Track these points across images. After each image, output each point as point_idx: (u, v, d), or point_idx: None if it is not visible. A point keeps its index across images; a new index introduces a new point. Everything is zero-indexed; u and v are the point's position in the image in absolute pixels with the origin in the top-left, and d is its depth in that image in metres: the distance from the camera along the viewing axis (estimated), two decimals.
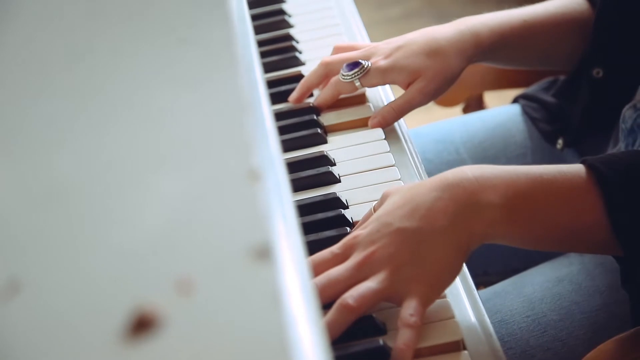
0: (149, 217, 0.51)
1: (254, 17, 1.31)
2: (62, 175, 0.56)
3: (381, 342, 0.74)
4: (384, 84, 1.07)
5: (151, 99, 0.63)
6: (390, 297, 0.75)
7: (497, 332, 0.79)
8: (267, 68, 1.19)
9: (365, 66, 1.04)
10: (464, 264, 0.80)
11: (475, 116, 1.35)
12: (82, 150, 0.59)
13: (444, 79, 1.04)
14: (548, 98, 1.24)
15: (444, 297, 0.79)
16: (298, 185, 0.96)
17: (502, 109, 1.33)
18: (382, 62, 1.03)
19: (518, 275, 1.06)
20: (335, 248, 0.79)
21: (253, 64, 0.70)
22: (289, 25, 1.31)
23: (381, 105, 1.08)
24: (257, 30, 1.28)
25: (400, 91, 1.07)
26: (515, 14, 1.10)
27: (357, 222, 0.89)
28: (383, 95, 1.11)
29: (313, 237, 0.87)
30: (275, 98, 1.12)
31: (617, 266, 0.96)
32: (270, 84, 1.15)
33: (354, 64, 1.04)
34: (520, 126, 1.27)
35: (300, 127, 1.06)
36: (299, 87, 1.10)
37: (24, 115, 0.64)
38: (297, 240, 0.53)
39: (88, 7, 0.76)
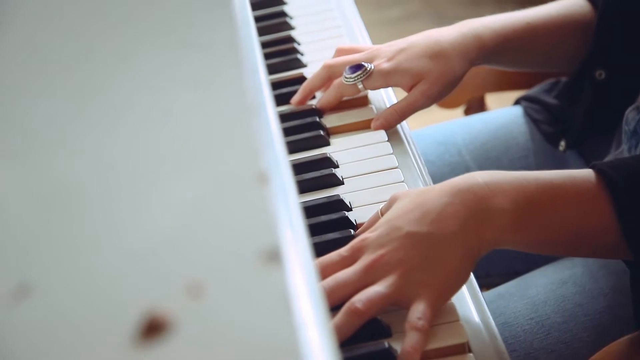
0: (158, 220, 0.51)
1: (255, 19, 1.31)
2: (70, 178, 0.56)
3: (386, 344, 0.74)
4: (386, 86, 1.07)
5: (158, 101, 0.63)
6: (398, 301, 0.75)
7: (500, 334, 0.79)
8: (269, 70, 1.18)
9: (368, 69, 1.04)
10: None
11: (477, 118, 1.35)
12: (89, 154, 0.59)
13: (447, 82, 1.04)
14: (550, 100, 1.24)
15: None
16: (301, 188, 0.96)
17: (504, 111, 1.33)
18: (385, 65, 1.03)
19: (521, 278, 1.06)
20: (343, 251, 0.79)
21: (258, 66, 0.70)
22: (291, 27, 1.31)
23: (383, 107, 1.08)
24: (259, 32, 1.27)
25: (402, 93, 1.07)
26: (518, 17, 1.10)
27: (360, 224, 0.89)
28: (385, 97, 1.11)
29: (317, 239, 0.87)
30: (277, 100, 1.11)
31: (621, 268, 0.96)
32: (272, 86, 1.15)
33: (357, 67, 1.04)
34: (522, 128, 1.27)
35: (303, 129, 1.06)
36: (302, 90, 1.09)
37: (32, 118, 0.64)
38: (306, 243, 0.53)
39: (92, 9, 0.76)
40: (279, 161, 0.58)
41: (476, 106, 1.51)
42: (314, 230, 0.88)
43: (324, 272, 0.77)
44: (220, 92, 0.64)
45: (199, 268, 0.48)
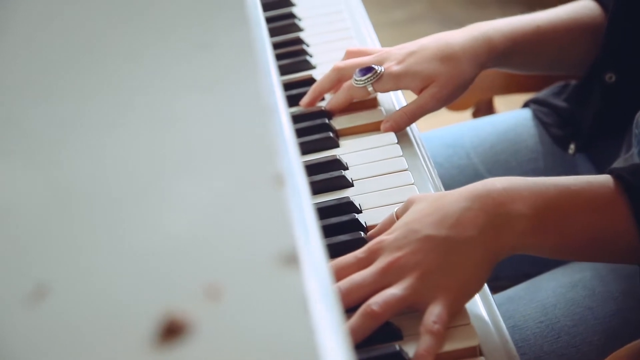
0: (176, 222, 0.51)
1: (264, 21, 1.30)
2: (87, 180, 0.56)
3: (397, 347, 0.74)
4: (396, 89, 1.07)
5: (173, 103, 0.63)
6: (415, 304, 0.75)
7: (510, 337, 0.79)
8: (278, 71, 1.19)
9: (379, 71, 1.03)
10: None
11: (486, 120, 1.35)
12: (106, 155, 0.58)
13: (457, 85, 1.04)
14: (559, 103, 1.24)
15: None
16: (311, 190, 0.96)
17: (512, 114, 1.33)
18: (395, 68, 1.03)
19: (530, 281, 1.06)
20: (359, 252, 0.79)
21: (270, 68, 0.70)
22: (299, 29, 1.31)
23: (393, 108, 1.08)
24: (268, 33, 1.27)
25: (411, 94, 1.07)
26: (528, 20, 1.10)
27: (370, 226, 0.89)
28: (394, 98, 1.11)
29: (327, 241, 0.87)
30: (287, 102, 1.11)
31: (630, 272, 0.96)
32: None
33: (367, 69, 1.04)
34: (531, 131, 1.27)
35: (313, 130, 1.05)
36: (311, 92, 1.09)
37: (50, 120, 0.64)
38: (320, 245, 0.53)
39: (108, 12, 0.75)
40: (294, 163, 0.58)
41: (484, 109, 1.50)
42: (323, 232, 0.88)
43: (340, 274, 0.77)
44: (235, 93, 0.64)
45: (217, 270, 0.48)
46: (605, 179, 0.81)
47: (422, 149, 1.03)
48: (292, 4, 1.38)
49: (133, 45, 0.71)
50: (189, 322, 0.45)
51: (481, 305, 0.80)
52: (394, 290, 0.74)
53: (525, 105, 1.33)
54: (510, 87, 1.44)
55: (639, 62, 1.12)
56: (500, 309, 0.82)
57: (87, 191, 0.56)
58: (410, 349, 0.74)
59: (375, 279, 0.75)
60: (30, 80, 0.70)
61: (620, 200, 0.80)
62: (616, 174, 0.81)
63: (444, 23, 2.96)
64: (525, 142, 1.26)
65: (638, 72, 1.11)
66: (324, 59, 1.21)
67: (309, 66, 1.21)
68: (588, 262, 1.04)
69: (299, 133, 1.05)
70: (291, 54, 1.24)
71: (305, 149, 1.03)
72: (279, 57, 1.22)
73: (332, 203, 0.93)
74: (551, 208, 0.78)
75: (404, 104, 1.08)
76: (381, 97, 1.10)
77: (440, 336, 0.73)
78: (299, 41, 1.27)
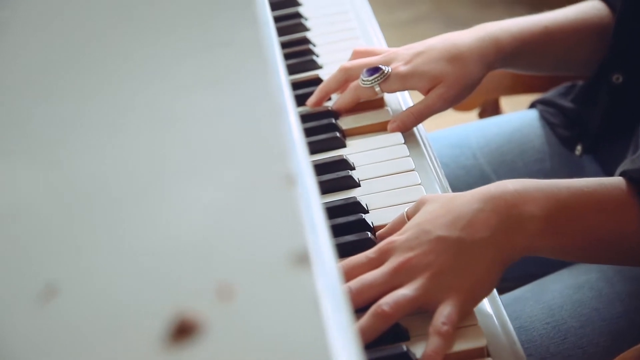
0: (188, 222, 0.51)
1: None
2: (97, 180, 0.56)
3: (404, 347, 0.74)
4: (404, 89, 1.06)
5: (184, 102, 0.63)
6: (425, 304, 0.75)
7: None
8: None
9: (386, 72, 1.03)
10: None
11: (492, 121, 1.34)
12: (116, 155, 0.58)
13: (465, 86, 1.04)
14: (566, 103, 1.24)
15: None
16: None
17: (519, 114, 1.33)
18: (403, 68, 1.03)
19: (536, 282, 1.06)
20: (370, 252, 0.78)
21: (279, 67, 0.70)
22: (306, 29, 1.30)
23: (399, 108, 1.08)
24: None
25: (418, 95, 1.07)
26: (536, 20, 1.10)
27: (377, 227, 0.88)
28: (401, 99, 1.11)
29: (334, 241, 0.87)
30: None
31: (637, 274, 0.95)
32: None
33: (374, 70, 1.04)
34: (538, 131, 1.27)
35: (319, 130, 1.05)
36: (318, 92, 1.09)
37: (60, 120, 0.64)
38: (330, 245, 0.53)
39: (118, 12, 0.75)
40: (304, 163, 0.58)
41: (490, 109, 1.50)
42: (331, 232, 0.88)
43: (350, 274, 0.77)
44: (244, 92, 0.64)
45: (228, 270, 0.48)
46: (617, 181, 0.81)
47: (429, 149, 1.03)
48: (298, 4, 1.37)
49: (142, 43, 0.71)
50: (200, 322, 0.45)
51: (488, 306, 0.80)
52: (405, 291, 0.74)
53: (532, 105, 1.32)
54: (517, 87, 1.44)
55: None
56: (506, 310, 0.82)
57: (99, 191, 0.56)
58: (417, 350, 0.74)
59: (386, 279, 0.75)
60: (30, 80, 0.70)
61: (633, 202, 0.80)
62: (629, 176, 0.81)
63: (448, 23, 2.96)
64: (531, 142, 1.26)
65: None
66: (331, 59, 1.21)
67: (315, 66, 1.21)
68: (595, 264, 1.04)
69: (306, 133, 1.05)
70: (298, 54, 1.24)
71: (312, 149, 1.03)
72: (285, 56, 1.22)
73: (339, 203, 0.93)
74: (563, 210, 0.78)
75: (411, 104, 1.08)
76: (388, 97, 1.10)
77: (449, 337, 0.73)
78: (306, 41, 1.27)
